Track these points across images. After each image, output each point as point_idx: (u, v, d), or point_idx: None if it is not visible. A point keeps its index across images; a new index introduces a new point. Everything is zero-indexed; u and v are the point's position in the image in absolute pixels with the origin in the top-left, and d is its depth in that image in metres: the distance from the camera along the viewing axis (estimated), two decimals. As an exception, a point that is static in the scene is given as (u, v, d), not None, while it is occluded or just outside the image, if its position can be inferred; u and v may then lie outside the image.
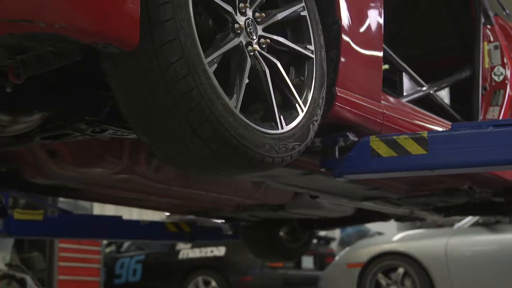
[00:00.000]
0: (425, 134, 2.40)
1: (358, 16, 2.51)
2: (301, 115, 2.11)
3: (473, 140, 2.34)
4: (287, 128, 2.04)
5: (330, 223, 5.64)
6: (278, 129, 2.01)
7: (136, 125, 1.86)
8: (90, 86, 2.12)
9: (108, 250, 9.14)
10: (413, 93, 3.38)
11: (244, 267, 7.79)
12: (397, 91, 3.41)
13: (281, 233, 5.73)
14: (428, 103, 3.66)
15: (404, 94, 3.38)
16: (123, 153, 3.25)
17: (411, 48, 4.78)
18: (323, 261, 8.39)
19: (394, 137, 2.44)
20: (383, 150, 2.43)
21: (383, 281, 6.73)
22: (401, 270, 6.66)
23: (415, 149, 2.40)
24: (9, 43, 1.65)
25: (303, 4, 2.22)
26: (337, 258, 7.54)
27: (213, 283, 8.07)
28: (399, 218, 5.27)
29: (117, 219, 4.84)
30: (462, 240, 6.44)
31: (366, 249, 6.90)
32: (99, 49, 1.66)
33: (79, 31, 1.57)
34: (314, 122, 2.16)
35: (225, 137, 1.81)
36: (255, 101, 2.07)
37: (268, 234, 5.56)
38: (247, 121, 1.89)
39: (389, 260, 6.75)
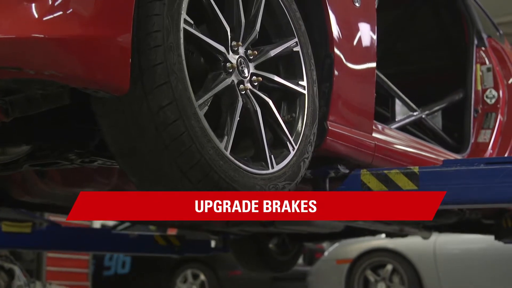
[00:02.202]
0: (416, 169, 2.40)
1: (351, 48, 2.49)
2: (292, 153, 2.10)
3: (464, 178, 2.33)
4: (277, 167, 2.03)
5: (320, 237, 5.64)
6: (268, 169, 2.00)
7: (125, 166, 1.84)
8: (79, 119, 2.10)
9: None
10: (405, 118, 3.38)
11: (233, 262, 7.78)
12: (388, 110, 3.42)
13: (271, 245, 5.72)
14: (420, 125, 3.66)
15: (396, 118, 3.39)
16: (113, 173, 3.23)
17: (403, 65, 4.79)
18: (312, 256, 8.38)
19: (385, 171, 2.43)
20: (373, 184, 2.42)
21: (371, 277, 6.74)
22: (389, 267, 6.67)
23: (405, 184, 2.39)
24: None
25: (296, 39, 2.20)
26: (326, 253, 7.56)
27: (202, 277, 8.06)
28: (389, 234, 5.28)
29: (106, 231, 4.82)
30: (451, 238, 6.46)
31: (355, 246, 6.90)
32: (89, 93, 1.65)
33: (69, 78, 1.55)
34: (305, 159, 2.15)
35: (215, 180, 1.80)
36: (245, 137, 2.05)
37: (258, 247, 5.55)
38: (238, 162, 1.88)
39: (378, 257, 6.75)
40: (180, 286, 8.23)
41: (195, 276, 8.18)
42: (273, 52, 2.12)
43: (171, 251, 5.05)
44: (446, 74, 4.33)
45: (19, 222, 4.49)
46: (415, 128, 3.62)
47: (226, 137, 1.86)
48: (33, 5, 1.49)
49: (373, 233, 5.21)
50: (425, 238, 5.19)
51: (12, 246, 4.64)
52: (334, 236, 5.68)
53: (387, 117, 3.39)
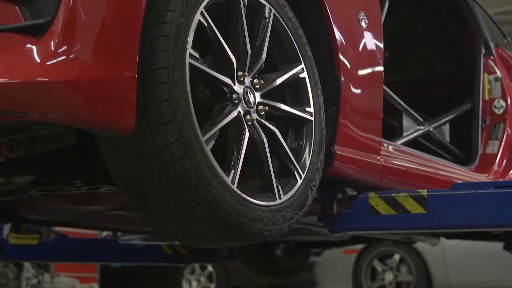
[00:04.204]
0: (425, 193, 2.38)
1: (358, 70, 2.47)
2: (299, 182, 2.07)
3: (474, 201, 2.31)
4: (284, 198, 2.00)
5: (327, 244, 5.62)
6: (275, 199, 1.97)
7: (131, 201, 1.83)
8: (84, 149, 2.09)
9: (104, 234, 9.12)
10: (412, 133, 3.36)
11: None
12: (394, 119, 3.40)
13: (277, 252, 5.71)
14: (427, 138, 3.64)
15: (404, 131, 3.37)
16: (119, 190, 3.22)
17: (410, 72, 4.77)
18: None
19: (394, 194, 2.41)
20: (382, 207, 2.41)
21: (379, 267, 6.73)
22: (397, 257, 6.66)
23: (414, 207, 2.37)
24: (1, 126, 1.62)
25: (302, 65, 2.17)
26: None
27: (210, 268, 8.06)
28: (396, 242, 5.26)
29: (113, 242, 4.81)
30: None
31: (363, 236, 6.90)
32: (94, 133, 1.63)
33: (74, 120, 1.54)
34: (312, 187, 2.13)
35: (221, 216, 1.78)
36: (252, 165, 2.03)
37: (265, 254, 5.54)
38: (245, 196, 1.86)
39: (385, 247, 6.73)
40: (188, 277, 8.24)
41: (203, 268, 8.18)
42: (279, 80, 2.09)
43: (178, 260, 5.03)
44: (453, 82, 4.30)
45: (26, 234, 4.48)
46: (423, 138, 3.60)
47: (232, 171, 1.84)
48: (37, 49, 1.47)
49: (381, 240, 5.19)
50: (433, 245, 5.17)
51: (20, 258, 4.63)
52: (342, 244, 5.66)
53: (393, 127, 3.37)
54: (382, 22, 2.86)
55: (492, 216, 2.29)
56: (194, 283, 8.46)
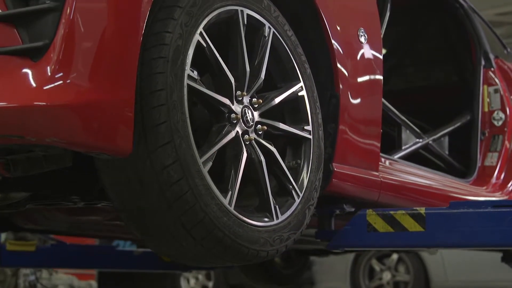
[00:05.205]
0: (422, 211, 2.37)
1: (358, 87, 2.45)
2: (297, 201, 2.06)
3: (472, 220, 2.30)
4: (282, 217, 1.99)
5: (326, 252, 5.60)
6: (273, 220, 1.96)
7: (128, 221, 1.82)
8: (81, 168, 2.08)
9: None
10: (411, 146, 3.35)
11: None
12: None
13: (276, 259, 5.70)
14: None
15: (403, 144, 3.36)
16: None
17: (411, 82, 4.77)
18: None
19: (391, 212, 2.41)
20: (379, 225, 2.40)
21: (376, 266, 6.72)
22: (395, 256, 6.65)
23: (412, 225, 2.36)
24: None
25: (301, 83, 2.16)
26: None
27: None
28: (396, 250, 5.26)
29: (111, 248, 4.81)
30: None
31: (361, 235, 6.90)
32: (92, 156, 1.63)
33: (71, 144, 1.53)
34: (310, 206, 2.12)
35: (219, 237, 1.78)
36: (249, 184, 2.02)
37: (263, 261, 5.52)
38: (242, 217, 1.85)
39: None
40: (186, 275, 8.22)
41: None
42: (278, 99, 2.08)
43: (176, 267, 5.02)
44: (454, 91, 4.30)
45: (23, 241, 4.48)
46: (422, 150, 3.59)
47: (230, 192, 1.83)
48: (34, 73, 1.47)
49: (381, 250, 5.18)
50: (431, 253, 5.17)
51: (17, 265, 4.62)
52: (341, 252, 5.65)
53: (391, 137, 3.36)
54: (383, 33, 2.85)
55: (490, 235, 2.28)
56: (192, 281, 8.46)
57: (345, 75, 2.37)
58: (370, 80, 2.53)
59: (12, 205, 2.40)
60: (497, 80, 3.90)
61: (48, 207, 2.44)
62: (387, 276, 6.74)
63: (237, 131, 1.90)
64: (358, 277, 6.93)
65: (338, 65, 2.34)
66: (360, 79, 2.48)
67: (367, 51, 2.53)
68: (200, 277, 8.41)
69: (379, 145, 2.58)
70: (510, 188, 3.72)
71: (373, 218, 2.42)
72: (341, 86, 2.34)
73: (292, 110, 2.17)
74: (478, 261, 6.25)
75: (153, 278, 8.31)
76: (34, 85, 1.46)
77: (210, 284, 8.33)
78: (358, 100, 2.44)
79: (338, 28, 2.37)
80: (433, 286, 6.59)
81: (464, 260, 6.35)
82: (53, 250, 4.60)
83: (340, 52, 2.36)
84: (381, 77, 2.60)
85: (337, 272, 6.95)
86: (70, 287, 7.33)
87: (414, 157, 3.35)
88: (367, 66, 2.52)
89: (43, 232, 3.81)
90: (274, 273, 5.66)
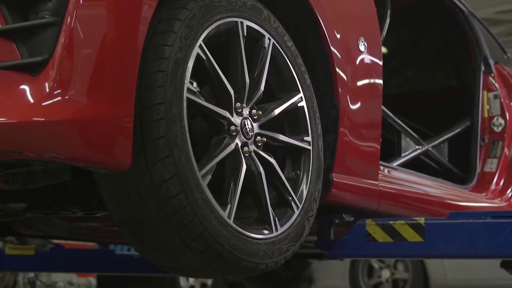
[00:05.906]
0: (422, 221, 2.37)
1: (357, 97, 2.45)
2: (296, 213, 2.06)
3: (471, 231, 2.30)
4: (281, 229, 1.99)
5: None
6: (272, 232, 1.96)
7: (127, 234, 1.82)
8: (80, 179, 2.07)
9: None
10: (410, 152, 3.35)
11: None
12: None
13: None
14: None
15: (402, 151, 3.36)
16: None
17: (411, 85, 4.78)
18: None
19: (391, 222, 2.40)
20: (379, 235, 2.40)
21: (375, 264, 6.71)
22: None
23: (411, 236, 2.36)
24: None
25: (301, 94, 2.16)
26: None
27: None
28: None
29: (110, 252, 4.80)
30: None
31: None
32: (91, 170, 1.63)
33: (70, 159, 1.53)
34: (309, 218, 2.11)
35: (218, 251, 1.77)
36: (248, 196, 2.01)
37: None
38: (241, 230, 1.84)
39: None
40: None
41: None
42: (277, 111, 2.08)
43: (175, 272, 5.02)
44: (454, 96, 4.29)
45: (22, 245, 4.47)
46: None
47: (229, 205, 1.83)
48: (33, 88, 1.46)
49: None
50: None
51: (16, 269, 4.62)
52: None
53: (391, 142, 3.36)
54: (383, 38, 2.85)
55: (489, 246, 2.28)
56: (191, 279, 8.45)
57: (345, 84, 2.37)
58: (370, 88, 2.53)
59: (11, 215, 2.40)
60: (497, 86, 3.89)
61: (47, 216, 2.43)
62: (386, 274, 6.73)
63: (237, 143, 1.90)
64: (357, 275, 6.93)
65: (338, 75, 2.34)
66: (360, 88, 2.47)
67: (367, 60, 2.53)
68: (200, 275, 8.40)
69: (378, 154, 2.58)
70: (510, 195, 3.72)
71: (373, 228, 2.42)
72: (341, 96, 2.34)
73: (292, 121, 2.16)
74: (477, 260, 6.25)
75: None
76: (33, 100, 1.45)
77: (209, 281, 8.33)
78: (358, 110, 2.44)
79: (338, 37, 2.37)
80: (432, 284, 6.58)
81: (463, 259, 6.35)
82: (52, 254, 4.59)
83: (340, 62, 2.35)
84: (381, 86, 2.60)
85: (336, 270, 6.94)
86: (69, 284, 7.34)
87: (413, 163, 3.35)
88: (366, 75, 2.52)
89: (42, 237, 3.80)
90: (273, 276, 5.66)
